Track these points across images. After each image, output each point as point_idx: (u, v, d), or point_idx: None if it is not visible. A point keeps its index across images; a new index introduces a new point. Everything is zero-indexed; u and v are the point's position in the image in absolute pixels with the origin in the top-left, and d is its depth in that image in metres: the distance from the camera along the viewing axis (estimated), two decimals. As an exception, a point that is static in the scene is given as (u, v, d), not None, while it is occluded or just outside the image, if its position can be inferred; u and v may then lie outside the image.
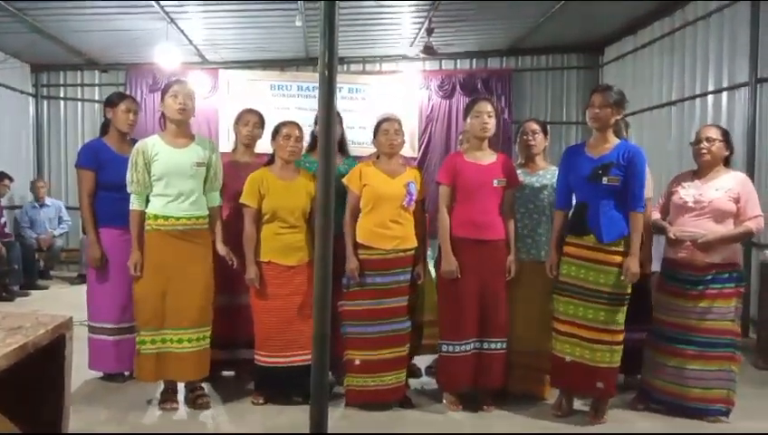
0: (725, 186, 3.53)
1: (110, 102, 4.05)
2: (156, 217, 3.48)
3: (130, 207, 3.52)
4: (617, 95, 3.44)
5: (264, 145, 4.18)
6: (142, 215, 3.51)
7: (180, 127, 3.57)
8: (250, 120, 4.07)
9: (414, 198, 3.65)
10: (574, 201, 3.60)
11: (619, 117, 3.49)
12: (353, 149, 4.29)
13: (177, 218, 3.48)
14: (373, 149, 3.87)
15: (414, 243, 3.68)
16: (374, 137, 3.76)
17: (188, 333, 3.49)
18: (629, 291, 3.42)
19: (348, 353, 3.65)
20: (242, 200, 3.64)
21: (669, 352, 3.59)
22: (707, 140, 3.57)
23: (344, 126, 4.16)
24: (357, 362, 3.62)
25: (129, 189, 3.51)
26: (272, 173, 3.69)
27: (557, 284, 3.57)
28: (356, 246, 3.61)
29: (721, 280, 3.51)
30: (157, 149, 3.49)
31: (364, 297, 3.61)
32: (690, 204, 3.55)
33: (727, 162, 3.65)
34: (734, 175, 3.62)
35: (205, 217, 3.58)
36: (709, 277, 3.50)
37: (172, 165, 3.48)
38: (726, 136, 3.62)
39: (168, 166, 3.47)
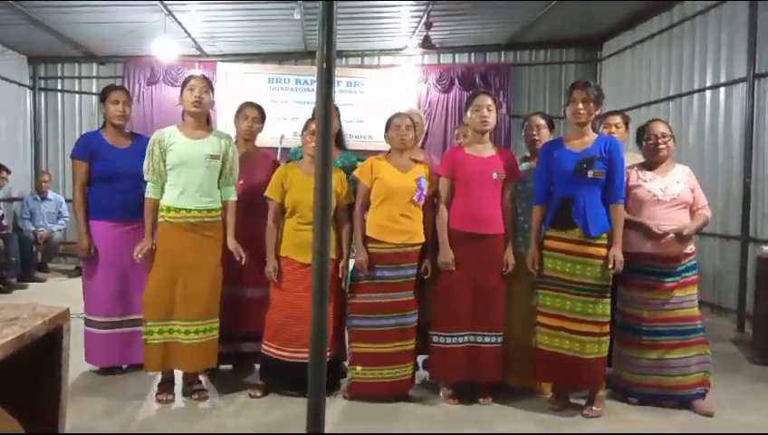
0: (682, 178, 3.69)
1: (103, 96, 4.07)
2: (168, 208, 3.51)
3: (146, 195, 3.56)
4: (596, 90, 3.51)
5: (264, 138, 4.20)
6: (157, 203, 3.54)
7: (198, 120, 3.61)
8: (249, 115, 4.07)
9: (425, 192, 3.66)
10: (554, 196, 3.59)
11: (598, 112, 3.56)
12: (352, 143, 4.29)
13: (189, 211, 3.50)
14: (371, 143, 3.87)
15: (422, 238, 3.68)
16: (386, 132, 3.77)
17: (196, 325, 3.51)
18: (610, 282, 3.49)
19: (352, 346, 3.67)
20: (266, 194, 3.69)
21: (648, 346, 3.62)
22: (663, 135, 3.69)
23: (342, 120, 4.15)
24: (361, 354, 3.63)
25: (145, 177, 3.56)
26: (297, 168, 3.72)
27: (541, 278, 3.59)
28: (365, 239, 3.63)
29: (690, 267, 3.65)
30: (173, 139, 3.54)
31: (372, 291, 3.62)
32: (660, 197, 3.63)
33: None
34: (683, 168, 3.78)
35: (217, 210, 3.60)
36: (682, 267, 3.62)
37: (185, 155, 3.51)
38: (672, 131, 3.78)
39: (181, 156, 3.51)
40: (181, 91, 3.62)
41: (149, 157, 3.53)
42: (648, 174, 3.71)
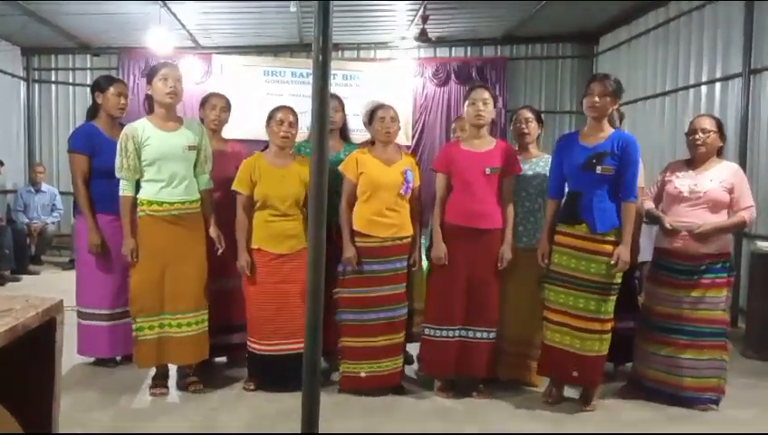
0: (720, 176, 3.54)
1: (99, 87, 3.99)
2: (149, 202, 3.46)
3: (120, 193, 3.49)
4: (615, 84, 3.43)
5: (260, 132, 4.16)
6: (133, 201, 3.49)
7: (169, 110, 3.55)
8: (217, 104, 4.03)
9: (411, 185, 3.65)
10: (566, 190, 3.59)
11: (615, 106, 3.49)
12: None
13: (171, 204, 3.47)
14: (367, 136, 3.86)
15: (410, 231, 3.68)
16: (369, 124, 3.74)
17: (187, 317, 3.50)
18: (619, 280, 3.43)
19: (343, 340, 3.66)
20: (234, 187, 3.64)
21: (661, 342, 3.60)
22: (703, 131, 3.58)
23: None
24: (350, 348, 3.63)
25: (118, 175, 3.47)
26: (265, 160, 3.67)
27: (548, 273, 3.57)
28: (353, 233, 3.61)
29: (714, 270, 3.53)
30: (148, 133, 3.46)
31: (361, 285, 3.61)
32: (685, 194, 3.55)
33: (720, 153, 3.66)
34: (728, 165, 3.63)
35: (197, 201, 3.57)
36: (703, 267, 3.52)
37: (165, 149, 3.45)
38: (720, 127, 3.63)
39: (161, 150, 3.45)
40: (149, 81, 3.51)
41: (122, 153, 3.43)
42: (686, 171, 3.62)
